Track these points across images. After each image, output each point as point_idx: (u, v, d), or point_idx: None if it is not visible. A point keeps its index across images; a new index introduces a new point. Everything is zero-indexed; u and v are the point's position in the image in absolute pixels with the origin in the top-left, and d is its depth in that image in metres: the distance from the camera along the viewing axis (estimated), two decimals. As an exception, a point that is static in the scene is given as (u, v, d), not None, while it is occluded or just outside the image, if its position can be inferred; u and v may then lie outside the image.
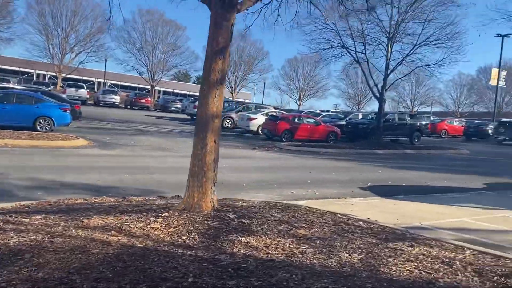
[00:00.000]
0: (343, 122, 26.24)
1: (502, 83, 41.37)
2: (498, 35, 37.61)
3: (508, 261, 4.22)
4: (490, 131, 32.38)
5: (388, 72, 21.95)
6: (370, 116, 26.73)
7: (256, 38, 58.58)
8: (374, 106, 62.17)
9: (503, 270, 3.86)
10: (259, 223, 4.68)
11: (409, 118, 25.95)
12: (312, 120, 23.32)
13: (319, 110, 37.88)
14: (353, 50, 21.88)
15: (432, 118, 38.38)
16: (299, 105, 64.62)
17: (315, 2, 7.18)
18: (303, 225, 4.84)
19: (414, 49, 21.34)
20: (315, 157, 16.76)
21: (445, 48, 21.19)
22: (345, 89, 68.01)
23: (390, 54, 21.54)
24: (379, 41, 21.95)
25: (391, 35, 21.17)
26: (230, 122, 27.35)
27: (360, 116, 29.30)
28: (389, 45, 21.41)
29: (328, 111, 38.09)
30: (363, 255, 4.01)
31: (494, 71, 40.41)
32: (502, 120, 33.79)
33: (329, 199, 8.24)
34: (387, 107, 68.43)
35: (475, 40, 60.08)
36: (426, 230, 5.91)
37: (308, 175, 11.67)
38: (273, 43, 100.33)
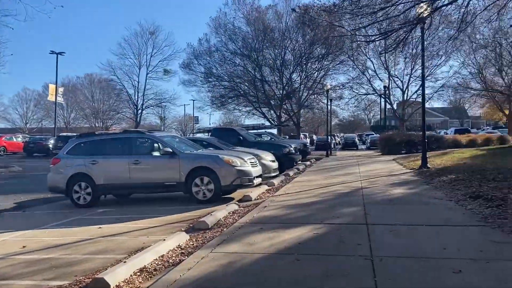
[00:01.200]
0: None
1: (60, 99, 42.73)
2: (52, 52, 38.45)
3: None
4: (51, 146, 32.67)
5: None
6: None
7: None
8: None
9: None
10: None
11: None
12: None
13: None
14: None
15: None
16: None
17: None
18: None
19: None
20: None
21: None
22: None
23: None
24: None
25: None
26: None
27: None
28: None
29: None
30: None
31: (52, 87, 41.01)
32: (61, 134, 35.10)
33: None
34: None
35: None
36: None
37: None
38: None
